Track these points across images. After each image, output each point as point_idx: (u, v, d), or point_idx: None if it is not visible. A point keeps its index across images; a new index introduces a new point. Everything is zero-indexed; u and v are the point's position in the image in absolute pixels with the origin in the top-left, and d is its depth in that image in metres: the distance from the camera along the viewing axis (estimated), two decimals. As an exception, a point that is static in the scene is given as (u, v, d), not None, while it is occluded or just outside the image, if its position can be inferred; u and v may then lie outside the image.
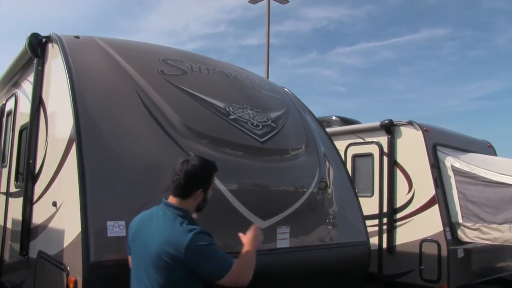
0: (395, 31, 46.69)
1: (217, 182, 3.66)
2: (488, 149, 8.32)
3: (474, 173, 6.30)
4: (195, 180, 2.59)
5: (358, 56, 47.58)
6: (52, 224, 3.78)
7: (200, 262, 2.39)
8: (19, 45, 4.86)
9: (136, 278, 2.56)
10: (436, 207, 6.34)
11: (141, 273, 2.50)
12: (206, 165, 2.66)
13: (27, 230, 4.27)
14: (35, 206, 4.28)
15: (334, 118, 8.95)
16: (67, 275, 3.24)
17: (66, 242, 3.40)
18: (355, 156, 7.54)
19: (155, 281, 2.42)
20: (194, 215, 2.70)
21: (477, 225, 6.12)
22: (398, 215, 6.81)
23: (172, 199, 2.61)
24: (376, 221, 6.96)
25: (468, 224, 6.20)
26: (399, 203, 6.84)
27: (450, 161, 6.56)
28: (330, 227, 4.70)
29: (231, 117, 4.10)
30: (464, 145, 7.42)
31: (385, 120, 7.05)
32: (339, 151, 5.95)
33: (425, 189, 6.51)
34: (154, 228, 2.51)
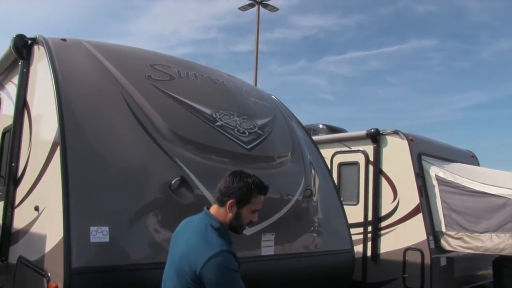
0: (383, 41, 47.30)
1: (202, 188, 3.66)
2: (471, 159, 8.43)
3: (457, 183, 6.37)
4: (233, 187, 2.38)
5: (347, 65, 48.11)
6: (34, 229, 3.72)
7: (212, 283, 2.19)
8: (4, 46, 4.81)
9: (164, 280, 2.45)
10: (420, 216, 6.39)
11: (167, 276, 2.41)
12: (252, 180, 2.44)
13: (8, 235, 4.19)
14: (16, 210, 4.20)
15: (321, 126, 9.00)
16: (48, 281, 3.19)
17: (48, 248, 3.35)
18: (341, 165, 7.57)
19: (174, 287, 2.31)
20: None
21: (459, 234, 6.18)
22: (383, 224, 6.84)
23: (212, 207, 2.44)
24: (361, 229, 6.99)
25: (451, 233, 6.26)
26: (384, 211, 6.88)
27: (435, 171, 6.63)
28: (315, 235, 4.71)
29: (217, 123, 4.10)
30: (448, 155, 7.51)
31: (371, 129, 7.10)
32: (325, 159, 5.98)
33: (410, 198, 6.56)
34: (186, 233, 2.38)
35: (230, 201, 2.35)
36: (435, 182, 6.57)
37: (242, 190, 2.38)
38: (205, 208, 2.46)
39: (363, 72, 47.00)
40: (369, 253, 6.89)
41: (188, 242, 2.30)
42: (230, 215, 2.37)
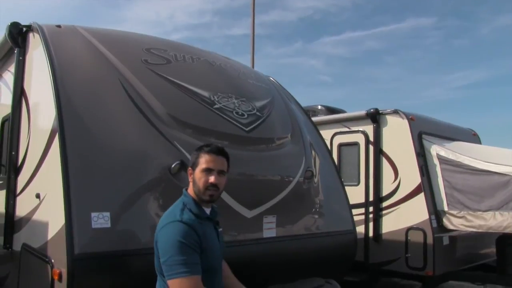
0: (380, 20, 46.88)
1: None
2: (473, 137, 8.41)
3: (459, 161, 6.35)
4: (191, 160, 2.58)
5: (344, 45, 47.78)
6: (36, 217, 3.73)
7: (160, 250, 2.31)
8: (-1, 35, 4.77)
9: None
10: (422, 195, 6.39)
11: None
12: (202, 145, 2.62)
13: (11, 223, 4.21)
14: (18, 199, 4.22)
15: (319, 107, 8.96)
16: (52, 267, 3.21)
17: (50, 235, 3.36)
18: (341, 145, 7.56)
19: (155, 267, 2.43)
20: None
21: (462, 212, 6.19)
22: (384, 204, 6.86)
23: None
24: (362, 210, 7.00)
25: (454, 212, 6.27)
26: (385, 191, 6.88)
27: (436, 150, 6.61)
28: (316, 216, 4.72)
29: (216, 106, 4.07)
30: (450, 134, 7.49)
31: (371, 109, 7.07)
32: (325, 140, 5.96)
33: (411, 177, 6.56)
34: None
35: (189, 169, 2.53)
36: (436, 161, 6.55)
37: (193, 155, 2.56)
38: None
39: (360, 52, 46.76)
40: (371, 234, 6.91)
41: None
42: (191, 184, 2.52)
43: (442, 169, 6.47)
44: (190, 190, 2.53)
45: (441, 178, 6.44)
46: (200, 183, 2.47)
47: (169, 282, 2.26)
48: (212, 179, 2.47)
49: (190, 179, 2.53)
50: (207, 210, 2.57)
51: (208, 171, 2.47)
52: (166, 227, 2.32)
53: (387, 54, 48.17)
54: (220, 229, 2.73)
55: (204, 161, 2.48)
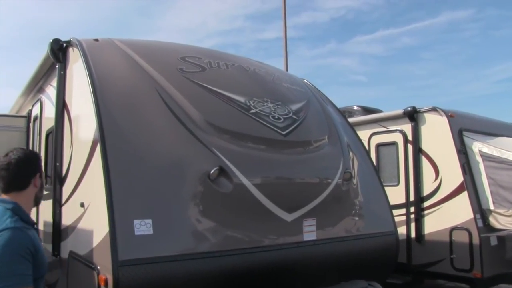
0: (414, 16, 45.78)
1: (240, 176, 3.67)
2: None
3: (504, 158, 6.12)
4: (29, 165, 2.38)
5: (378, 43, 46.99)
6: (81, 225, 3.85)
7: None
8: (42, 52, 4.97)
9: None
10: (465, 194, 6.19)
11: None
12: (31, 151, 2.55)
13: (58, 231, 4.36)
14: (64, 208, 4.36)
15: (355, 108, 8.84)
16: (98, 274, 3.29)
17: (95, 242, 3.45)
18: (378, 145, 7.43)
19: None
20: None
21: (510, 211, 5.95)
22: (426, 204, 6.68)
23: (4, 196, 2.35)
24: (403, 210, 6.85)
25: (500, 211, 6.03)
26: (426, 191, 6.71)
27: (478, 146, 6.39)
28: (356, 218, 4.65)
29: (252, 111, 4.09)
30: (493, 129, 7.21)
31: (408, 107, 6.92)
32: (362, 140, 5.87)
33: (453, 176, 6.37)
34: None
35: (37, 176, 2.40)
36: (479, 158, 6.34)
37: (37, 162, 2.46)
38: None
39: (395, 50, 45.84)
40: (413, 235, 6.75)
41: None
42: (36, 189, 2.41)
43: (485, 166, 6.24)
44: (22, 198, 2.35)
45: (485, 176, 6.21)
46: (44, 187, 2.51)
47: None
48: None
49: (37, 185, 2.41)
50: None
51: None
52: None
53: (423, 50, 47.01)
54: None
55: (42, 166, 2.50)
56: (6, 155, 2.38)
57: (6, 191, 2.33)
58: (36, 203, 2.47)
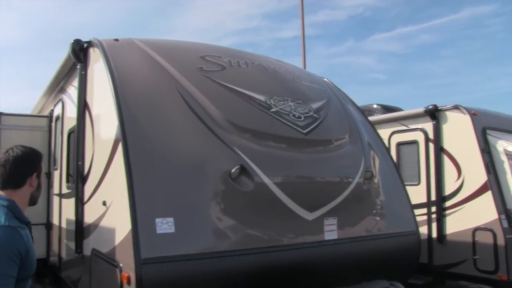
0: (434, 13, 44.91)
1: (261, 175, 3.66)
2: None
3: (531, 157, 5.98)
4: (26, 164, 2.37)
5: (396, 41, 46.43)
6: (103, 223, 3.89)
7: None
8: (61, 54, 5.04)
9: None
10: (489, 194, 6.06)
11: None
12: (32, 149, 2.46)
13: (80, 229, 4.42)
14: (86, 206, 4.42)
15: (375, 106, 8.73)
16: (120, 271, 3.32)
17: (118, 240, 3.49)
18: (399, 144, 7.32)
19: None
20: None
21: None
22: (447, 203, 6.56)
23: (1, 193, 2.34)
24: (424, 210, 6.75)
25: None
26: (447, 190, 6.59)
27: (503, 145, 6.25)
28: (378, 218, 4.60)
29: (272, 110, 4.07)
30: (518, 128, 7.05)
31: (429, 105, 6.81)
32: (383, 139, 5.80)
33: (476, 175, 6.24)
34: None
35: (33, 176, 2.36)
36: (504, 157, 6.19)
37: (36, 161, 2.43)
38: None
39: (414, 47, 45.20)
40: (434, 235, 6.64)
41: None
42: (32, 188, 2.39)
43: (511, 166, 6.11)
44: (18, 196, 2.34)
45: (510, 175, 6.06)
46: (42, 187, 2.48)
47: None
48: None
49: (33, 185, 2.39)
50: None
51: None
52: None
53: (443, 48, 46.14)
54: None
55: (43, 166, 2.48)
56: (6, 151, 2.38)
57: (2, 187, 2.33)
58: (33, 203, 2.45)
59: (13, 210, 2.26)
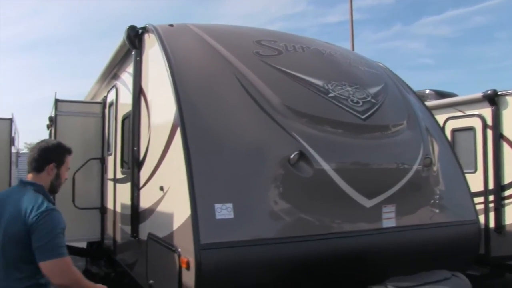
0: (487, -6, 42.68)
1: (320, 161, 3.59)
2: None
3: None
4: (48, 153, 2.75)
5: (447, 24, 44.86)
6: (160, 208, 3.93)
7: (38, 232, 2.45)
8: (104, 43, 5.09)
9: None
10: (552, 183, 5.75)
11: None
12: (59, 143, 2.87)
13: (136, 214, 4.50)
14: (142, 191, 4.49)
15: (427, 91, 8.42)
16: (179, 256, 3.35)
17: (176, 225, 3.52)
18: (454, 131, 7.05)
19: (11, 257, 2.51)
20: None
21: None
22: (507, 192, 6.28)
23: (28, 177, 2.75)
24: (481, 199, 6.47)
25: None
26: (507, 179, 6.30)
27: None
28: (436, 206, 4.45)
29: (330, 94, 3.98)
30: None
31: (488, 90, 6.49)
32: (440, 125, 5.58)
33: (538, 163, 5.93)
34: (11, 202, 2.60)
35: (51, 165, 2.73)
36: None
37: (58, 153, 2.80)
38: (20, 179, 2.78)
39: (465, 30, 43.52)
40: (492, 225, 6.38)
41: (16, 206, 2.55)
42: (50, 177, 2.74)
43: None
44: (40, 180, 2.71)
45: None
46: (63, 178, 2.84)
47: (56, 261, 2.45)
48: (67, 175, 2.92)
49: (51, 174, 2.74)
50: None
51: (68, 169, 2.90)
52: (52, 213, 2.52)
53: (497, 30, 44.16)
54: None
55: (69, 161, 2.86)
56: (39, 142, 2.85)
57: (28, 170, 2.75)
58: (53, 191, 2.80)
59: (44, 194, 2.66)
